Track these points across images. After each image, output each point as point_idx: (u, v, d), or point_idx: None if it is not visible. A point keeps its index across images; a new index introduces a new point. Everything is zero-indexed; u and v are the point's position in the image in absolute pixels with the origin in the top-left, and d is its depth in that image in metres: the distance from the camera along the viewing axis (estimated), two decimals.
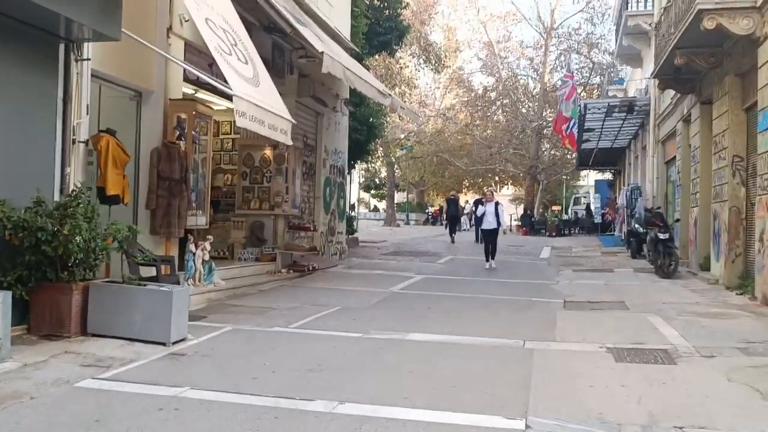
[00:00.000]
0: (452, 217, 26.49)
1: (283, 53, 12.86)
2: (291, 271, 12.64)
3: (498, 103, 42.43)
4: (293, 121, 8.44)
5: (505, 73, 41.13)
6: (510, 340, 7.08)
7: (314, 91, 13.90)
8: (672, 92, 17.50)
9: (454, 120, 44.08)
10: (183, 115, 9.14)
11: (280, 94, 13.07)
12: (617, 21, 25.37)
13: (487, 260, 15.53)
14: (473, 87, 43.87)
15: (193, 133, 9.30)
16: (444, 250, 20.47)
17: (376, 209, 64.04)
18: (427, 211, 57.81)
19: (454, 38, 39.74)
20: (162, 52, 8.31)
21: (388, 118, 39.46)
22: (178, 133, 9.06)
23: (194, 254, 9.11)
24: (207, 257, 9.48)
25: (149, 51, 8.20)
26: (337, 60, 9.78)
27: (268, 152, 13.21)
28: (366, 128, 18.80)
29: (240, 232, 13.10)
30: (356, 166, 21.37)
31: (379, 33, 19.34)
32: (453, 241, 24.01)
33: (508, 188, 61.31)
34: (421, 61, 32.04)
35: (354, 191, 68.03)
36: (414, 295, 10.91)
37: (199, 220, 9.49)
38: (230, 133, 14.58)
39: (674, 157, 18.08)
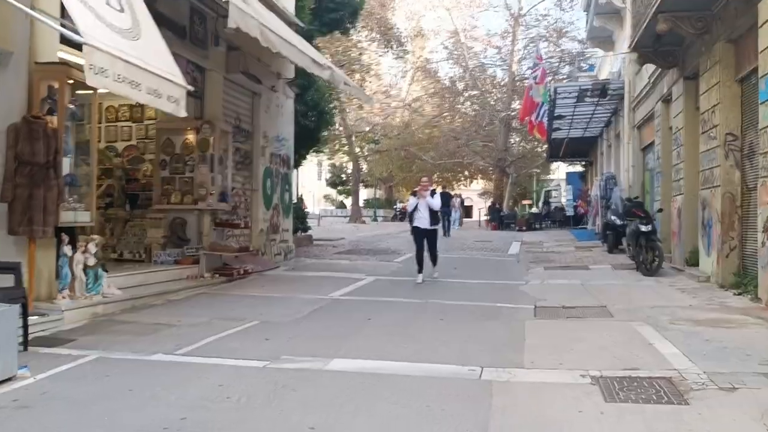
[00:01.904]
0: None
1: (205, 20, 11.00)
2: (217, 276, 10.78)
3: (466, 94, 40.91)
4: (188, 87, 6.62)
5: (472, 63, 39.54)
6: (463, 366, 5.34)
7: (246, 67, 12.03)
8: (648, 72, 16.01)
9: (421, 112, 42.42)
10: (55, 84, 7.24)
11: (202, 68, 11.27)
12: (588, 0, 23.87)
13: (420, 270, 11.40)
14: (440, 78, 42.25)
15: (70, 106, 7.40)
16: (405, 247, 18.68)
17: (342, 206, 61.99)
18: (395, 207, 56.09)
19: (418, 24, 37.85)
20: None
21: (348, 106, 37.81)
22: (48, 106, 7.16)
23: (69, 259, 7.22)
24: (92, 262, 7.59)
25: (6, 4, 6.28)
26: (251, 15, 7.93)
27: (190, 137, 11.32)
28: (316, 114, 16.94)
29: (158, 231, 11.19)
30: (307, 156, 19.47)
31: (329, 9, 17.52)
32: None
33: (477, 182, 59.94)
34: (382, 46, 30.07)
35: (320, 187, 66.40)
36: (357, 302, 9.14)
37: (80, 216, 7.58)
38: (156, 118, 12.65)
39: (652, 143, 16.57)
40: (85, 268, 7.51)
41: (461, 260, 15.64)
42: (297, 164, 19.63)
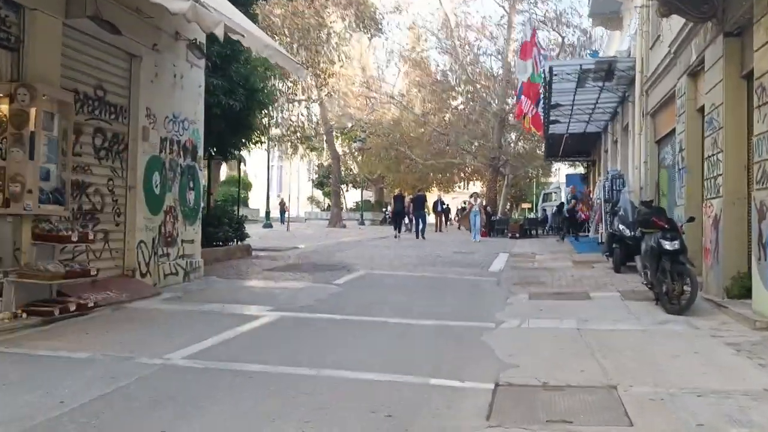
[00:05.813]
0: (397, 214, 27.71)
1: None
2: (26, 315, 7.14)
3: (459, 88, 37.36)
4: None
5: (463, 55, 35.87)
6: None
7: (98, 12, 8.37)
8: (669, 39, 12.39)
9: (411, 109, 38.82)
10: None
11: (18, 5, 7.65)
12: None
13: None
14: (430, 71, 38.61)
15: None
16: (361, 261, 15.10)
17: (330, 208, 58.45)
18: (384, 209, 52.45)
19: (406, 7, 34.09)
20: None
21: (329, 101, 34.19)
22: None
23: None
24: None
25: None
26: None
27: (4, 108, 7.71)
28: (244, 92, 13.29)
29: None
30: (241, 148, 15.75)
31: None
32: (397, 237, 25.24)
33: (474, 185, 56.17)
34: (353, 22, 26.34)
35: (306, 188, 62.74)
36: (197, 375, 5.42)
37: None
38: None
39: (672, 131, 12.94)
40: None
41: (424, 282, 12.00)
42: (227, 157, 16.04)
